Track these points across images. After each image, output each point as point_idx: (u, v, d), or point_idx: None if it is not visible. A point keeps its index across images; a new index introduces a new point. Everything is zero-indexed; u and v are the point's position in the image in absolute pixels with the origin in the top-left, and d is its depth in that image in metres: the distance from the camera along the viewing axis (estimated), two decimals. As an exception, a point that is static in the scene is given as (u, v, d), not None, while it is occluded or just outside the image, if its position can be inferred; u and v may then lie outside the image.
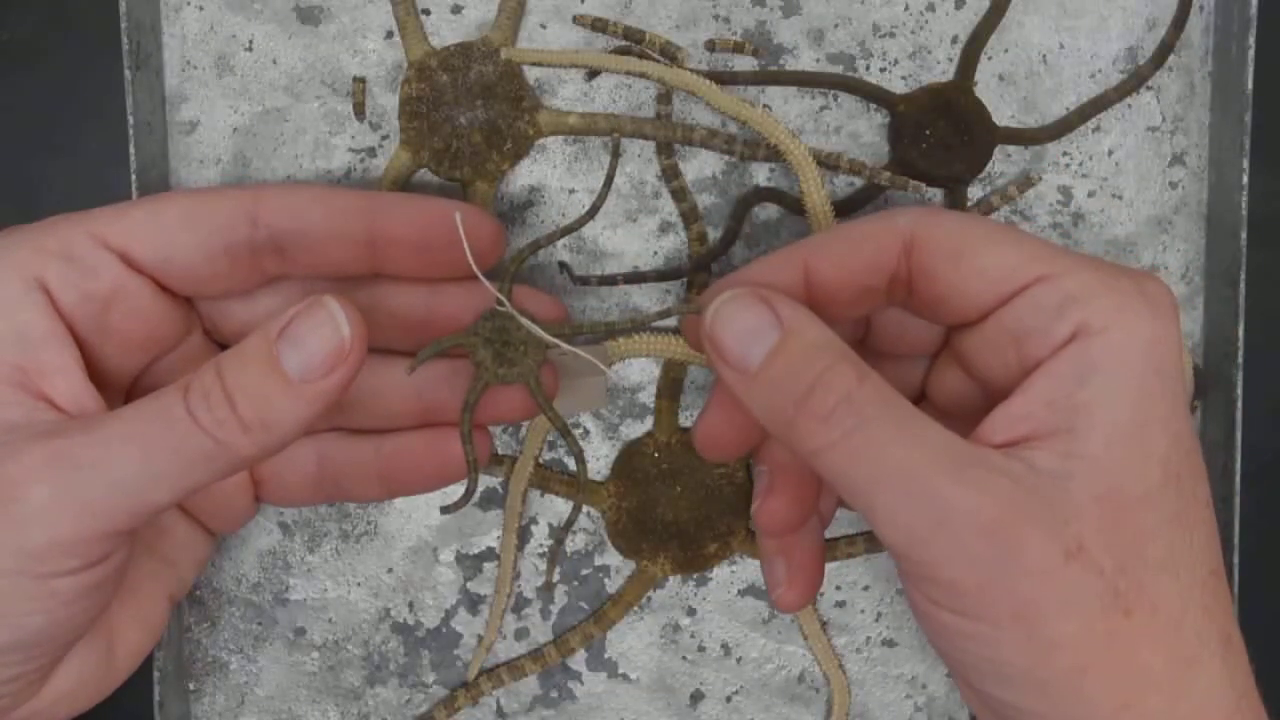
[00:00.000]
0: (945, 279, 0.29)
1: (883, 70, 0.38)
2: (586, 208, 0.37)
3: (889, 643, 0.39)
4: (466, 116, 0.37)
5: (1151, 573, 0.26)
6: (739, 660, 0.39)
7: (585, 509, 0.39)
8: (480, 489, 0.38)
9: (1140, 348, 0.27)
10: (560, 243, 0.38)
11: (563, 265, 0.37)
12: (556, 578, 0.39)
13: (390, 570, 0.39)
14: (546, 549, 0.39)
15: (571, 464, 0.38)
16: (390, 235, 0.31)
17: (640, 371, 0.38)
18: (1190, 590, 0.27)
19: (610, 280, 0.37)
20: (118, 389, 0.32)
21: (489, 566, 0.39)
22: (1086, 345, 0.27)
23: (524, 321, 0.31)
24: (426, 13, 0.37)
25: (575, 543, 0.39)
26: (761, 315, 0.28)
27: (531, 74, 0.37)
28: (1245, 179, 0.37)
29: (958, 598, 0.27)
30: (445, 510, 0.32)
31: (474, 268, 0.31)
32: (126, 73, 0.36)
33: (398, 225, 0.31)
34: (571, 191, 0.37)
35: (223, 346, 0.34)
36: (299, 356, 0.28)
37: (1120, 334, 0.27)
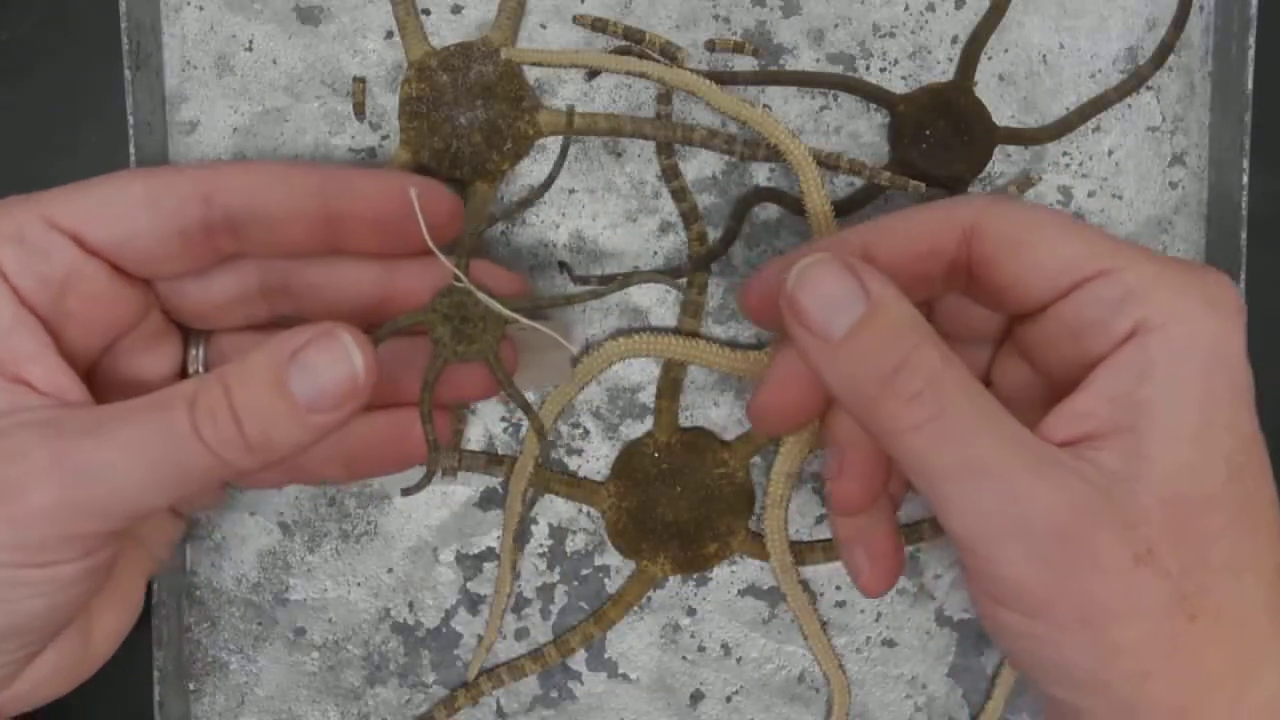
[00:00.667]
0: (1005, 270, 0.29)
1: (883, 70, 0.38)
2: (586, 207, 0.37)
3: (889, 643, 0.39)
4: (466, 116, 0.36)
5: (1216, 576, 0.26)
6: (739, 660, 0.39)
7: (585, 509, 0.39)
8: (480, 489, 0.38)
9: (1202, 344, 0.27)
10: (561, 243, 0.38)
11: (563, 265, 0.37)
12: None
13: (390, 570, 0.39)
14: (547, 549, 0.39)
15: (571, 463, 0.38)
16: (347, 212, 0.31)
17: (640, 371, 0.38)
18: (1255, 593, 0.27)
19: (610, 280, 0.37)
20: (80, 368, 0.31)
21: (489, 566, 0.39)
22: (1147, 341, 0.27)
23: (482, 297, 0.31)
24: (426, 13, 0.37)
25: (575, 543, 0.39)
26: (847, 284, 0.28)
27: (531, 74, 0.37)
28: (1245, 179, 0.37)
29: (1023, 598, 0.26)
30: (406, 492, 0.32)
31: (429, 243, 0.30)
32: (126, 73, 0.36)
33: (354, 202, 0.31)
34: (572, 191, 0.37)
35: (180, 326, 0.33)
36: (311, 387, 0.28)
37: (1181, 330, 0.27)
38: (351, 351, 0.28)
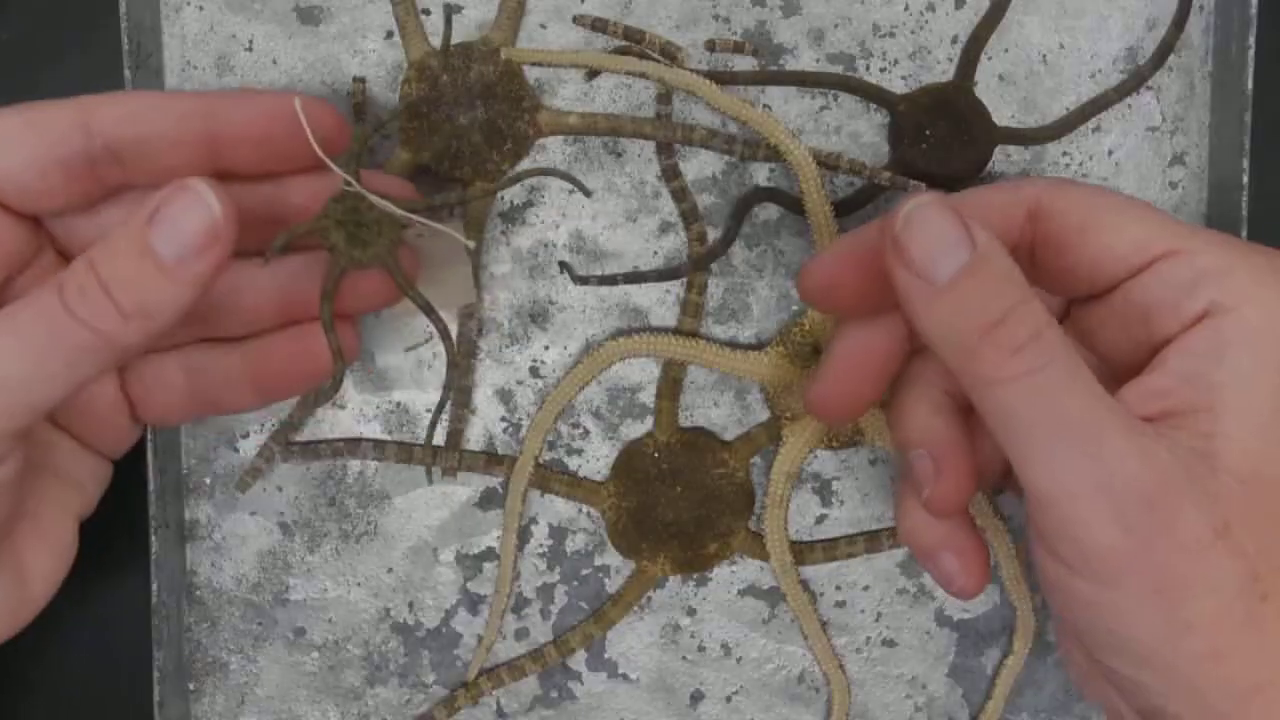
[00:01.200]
0: (1071, 251, 0.29)
1: (883, 70, 0.38)
2: (586, 207, 0.37)
3: (889, 643, 0.39)
4: (466, 116, 0.36)
5: None
6: (739, 660, 0.39)
7: (585, 509, 0.39)
8: (480, 489, 0.38)
9: (1277, 328, 0.27)
10: (561, 243, 0.38)
11: (563, 265, 0.37)
12: (440, 437, 0.38)
13: (390, 570, 0.39)
14: (547, 549, 0.39)
15: (571, 463, 0.38)
16: (230, 135, 0.31)
17: (640, 371, 0.38)
18: None
19: (610, 280, 0.37)
20: None
21: (489, 566, 0.39)
22: (1220, 323, 0.27)
23: (373, 199, 0.31)
24: (426, 13, 0.37)
25: (575, 543, 0.39)
26: (955, 229, 0.27)
27: (531, 74, 0.37)
28: (1245, 179, 0.37)
29: (1098, 564, 0.26)
30: (315, 401, 0.31)
31: (317, 149, 0.30)
32: (126, 73, 0.36)
33: (237, 124, 0.31)
34: (571, 192, 0.37)
35: None
36: (172, 240, 0.27)
37: (1255, 311, 0.27)
38: (207, 197, 0.28)
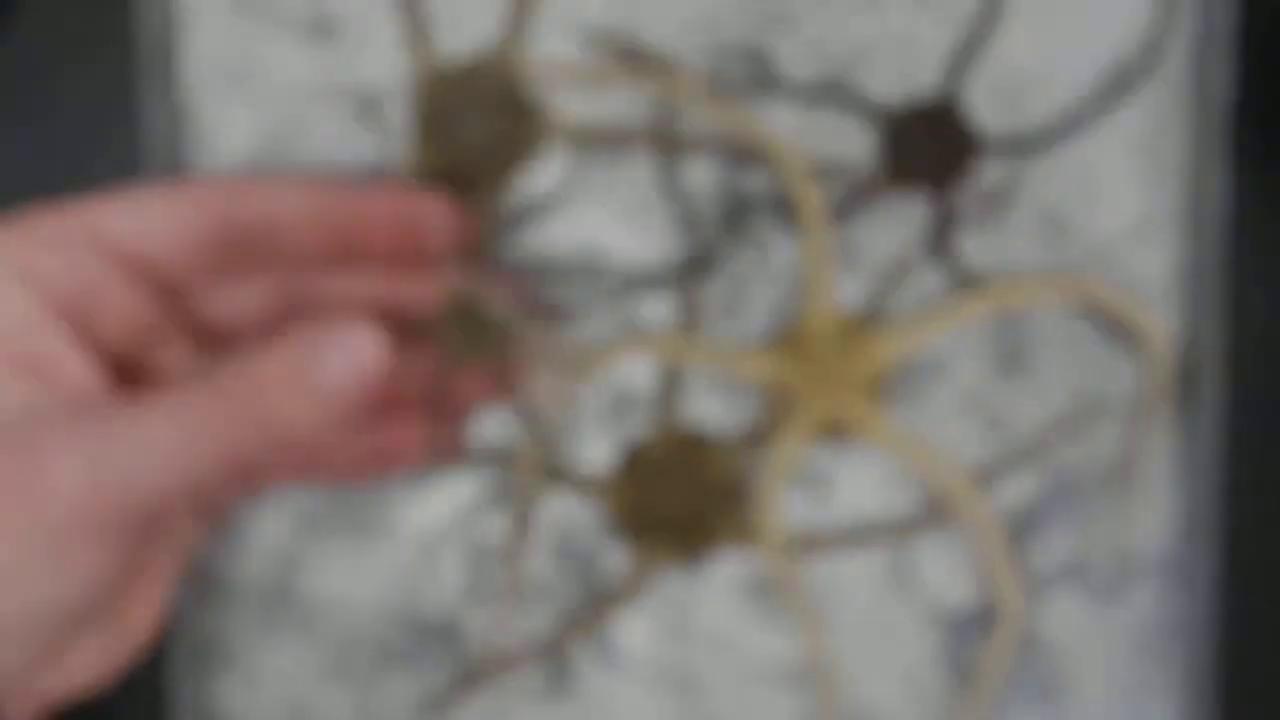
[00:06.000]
0: None
1: (876, 79, 0.38)
2: (586, 207, 0.38)
3: (886, 641, 0.39)
4: (471, 125, 0.37)
5: None
6: (739, 660, 0.39)
7: (585, 509, 0.39)
8: (480, 489, 0.39)
9: None
10: (560, 243, 0.38)
11: (557, 267, 0.38)
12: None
13: (391, 569, 0.39)
14: (547, 549, 0.39)
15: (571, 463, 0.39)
16: (364, 220, 0.32)
17: (640, 371, 0.39)
18: None
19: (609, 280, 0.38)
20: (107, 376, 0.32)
21: (490, 566, 0.39)
22: None
23: (490, 299, 0.32)
24: (431, 21, 0.38)
25: (575, 543, 0.39)
26: None
27: (534, 81, 0.38)
28: (1226, 187, 0.37)
29: None
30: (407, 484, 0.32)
31: (444, 247, 0.32)
32: (139, 84, 0.36)
33: (372, 210, 0.32)
34: (572, 192, 0.38)
35: (211, 338, 0.34)
36: (328, 377, 0.28)
37: None
38: (362, 340, 0.28)
